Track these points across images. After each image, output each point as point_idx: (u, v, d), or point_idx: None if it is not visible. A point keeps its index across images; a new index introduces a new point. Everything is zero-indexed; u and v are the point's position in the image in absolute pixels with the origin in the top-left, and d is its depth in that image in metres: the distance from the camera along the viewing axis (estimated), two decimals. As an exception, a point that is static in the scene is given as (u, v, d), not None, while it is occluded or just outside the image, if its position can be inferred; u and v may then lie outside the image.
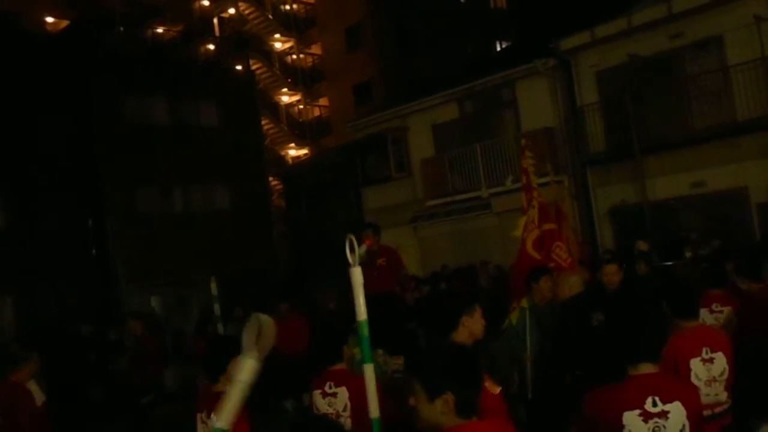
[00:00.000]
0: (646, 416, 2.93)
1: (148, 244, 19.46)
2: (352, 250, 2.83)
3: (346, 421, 4.13)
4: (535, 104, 17.07)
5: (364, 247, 8.06)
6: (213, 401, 3.90)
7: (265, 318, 1.89)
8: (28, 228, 17.62)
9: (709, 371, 3.94)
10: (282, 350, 6.33)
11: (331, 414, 4.19)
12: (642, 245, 9.60)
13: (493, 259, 14.81)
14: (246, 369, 1.87)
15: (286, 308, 9.20)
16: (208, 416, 3.90)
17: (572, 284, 5.82)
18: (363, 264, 2.95)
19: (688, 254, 10.59)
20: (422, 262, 18.15)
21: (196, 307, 20.60)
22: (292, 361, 6.57)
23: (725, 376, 3.98)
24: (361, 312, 2.76)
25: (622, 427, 2.94)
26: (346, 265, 2.88)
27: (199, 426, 3.99)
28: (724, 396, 3.98)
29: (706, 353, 3.95)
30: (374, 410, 2.72)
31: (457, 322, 3.78)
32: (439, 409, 2.37)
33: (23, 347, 6.79)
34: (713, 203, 14.51)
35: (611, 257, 7.66)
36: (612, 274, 6.21)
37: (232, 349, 4.00)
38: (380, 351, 7.82)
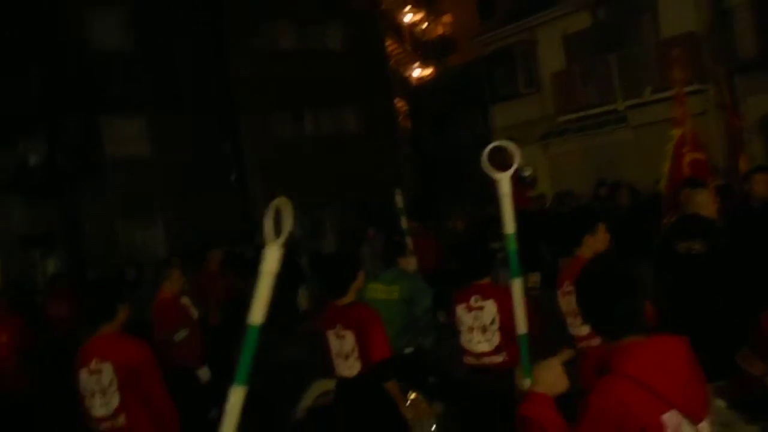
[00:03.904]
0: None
1: (282, 168, 20.09)
2: (496, 158, 2.64)
3: (495, 334, 4.17)
4: (676, 7, 15.86)
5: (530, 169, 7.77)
6: (340, 316, 4.11)
7: (281, 201, 1.82)
8: (172, 155, 18.60)
9: None
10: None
11: (477, 328, 4.23)
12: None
13: (628, 176, 14.19)
14: (270, 259, 1.83)
15: (417, 227, 9.28)
16: (344, 328, 4.08)
17: (699, 202, 5.02)
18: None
19: None
20: (552, 181, 17.70)
21: (330, 229, 21.34)
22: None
23: None
24: (509, 225, 2.62)
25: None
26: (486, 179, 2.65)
27: (332, 341, 4.15)
28: None
29: None
30: (522, 326, 2.67)
31: (580, 240, 3.95)
32: None
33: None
34: None
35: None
36: (761, 182, 5.71)
37: (356, 265, 4.28)
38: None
